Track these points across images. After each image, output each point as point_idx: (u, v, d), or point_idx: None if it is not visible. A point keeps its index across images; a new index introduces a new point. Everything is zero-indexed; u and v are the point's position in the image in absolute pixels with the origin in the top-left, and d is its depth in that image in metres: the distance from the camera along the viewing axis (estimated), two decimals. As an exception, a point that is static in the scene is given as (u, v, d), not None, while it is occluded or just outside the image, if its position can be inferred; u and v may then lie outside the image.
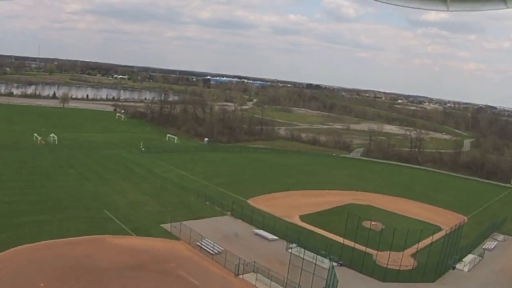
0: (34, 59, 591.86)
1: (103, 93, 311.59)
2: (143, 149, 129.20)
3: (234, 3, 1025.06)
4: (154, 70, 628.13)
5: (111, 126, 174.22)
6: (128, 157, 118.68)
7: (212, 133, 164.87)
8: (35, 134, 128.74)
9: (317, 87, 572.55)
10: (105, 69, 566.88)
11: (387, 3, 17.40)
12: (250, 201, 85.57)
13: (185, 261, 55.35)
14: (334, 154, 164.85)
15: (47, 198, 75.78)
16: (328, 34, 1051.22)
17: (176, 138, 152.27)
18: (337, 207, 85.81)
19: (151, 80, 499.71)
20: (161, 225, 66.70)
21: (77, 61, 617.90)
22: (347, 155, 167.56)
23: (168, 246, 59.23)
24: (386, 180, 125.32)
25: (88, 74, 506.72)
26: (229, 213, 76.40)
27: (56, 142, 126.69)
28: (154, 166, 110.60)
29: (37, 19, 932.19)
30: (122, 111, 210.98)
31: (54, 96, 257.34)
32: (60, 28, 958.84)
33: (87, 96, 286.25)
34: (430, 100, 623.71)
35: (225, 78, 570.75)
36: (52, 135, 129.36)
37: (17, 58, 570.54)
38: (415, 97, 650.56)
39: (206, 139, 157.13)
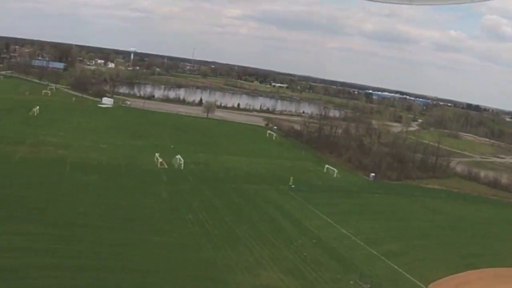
0: (189, 61, 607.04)
1: (258, 103, 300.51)
2: (292, 186, 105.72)
3: (397, 16, 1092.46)
4: (315, 80, 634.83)
5: (259, 147, 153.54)
6: (273, 199, 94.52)
7: (380, 166, 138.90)
8: (157, 154, 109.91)
9: (477, 108, 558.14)
10: (263, 76, 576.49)
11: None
12: (431, 291, 63.60)
13: None
14: None
15: (132, 267, 55.12)
16: (486, 53, 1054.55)
17: (336, 171, 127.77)
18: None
19: (311, 91, 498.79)
20: None
21: (234, 65, 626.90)
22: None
23: None
24: None
25: (245, 80, 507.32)
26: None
27: (182, 167, 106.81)
28: (305, 216, 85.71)
29: (196, 21, 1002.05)
30: (275, 127, 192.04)
31: (200, 103, 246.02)
32: (220, 32, 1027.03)
33: (238, 105, 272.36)
34: None
35: (386, 93, 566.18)
36: (178, 156, 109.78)
37: (170, 58, 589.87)
38: None
39: (372, 174, 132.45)
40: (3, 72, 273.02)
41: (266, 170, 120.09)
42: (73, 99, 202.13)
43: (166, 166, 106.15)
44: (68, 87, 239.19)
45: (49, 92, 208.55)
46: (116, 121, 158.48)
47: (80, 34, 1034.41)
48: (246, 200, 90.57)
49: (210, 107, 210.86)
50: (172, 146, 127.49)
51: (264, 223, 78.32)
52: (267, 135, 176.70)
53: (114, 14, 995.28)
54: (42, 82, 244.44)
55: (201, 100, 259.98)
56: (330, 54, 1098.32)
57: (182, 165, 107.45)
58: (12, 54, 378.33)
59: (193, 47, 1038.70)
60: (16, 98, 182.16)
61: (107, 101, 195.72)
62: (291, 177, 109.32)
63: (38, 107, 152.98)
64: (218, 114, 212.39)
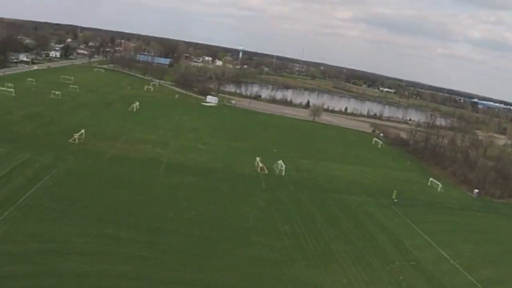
0: (297, 62, 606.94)
1: (365, 107, 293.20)
2: (395, 199, 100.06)
3: (503, 24, 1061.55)
4: (422, 86, 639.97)
5: (364, 154, 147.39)
6: (374, 213, 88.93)
7: (484, 182, 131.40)
8: (258, 159, 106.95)
9: None
10: (372, 80, 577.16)
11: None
12: None
13: None
14: None
15: (216, 282, 53.26)
16: None
17: (440, 185, 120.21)
18: None
19: (418, 97, 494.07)
20: None
21: (343, 68, 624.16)
22: None
23: None
24: None
25: (353, 83, 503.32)
26: None
27: (283, 174, 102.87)
28: (406, 235, 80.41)
29: (305, 22, 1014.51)
30: (381, 135, 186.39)
31: (307, 105, 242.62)
32: (329, 34, 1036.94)
33: (346, 109, 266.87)
34: None
35: (491, 103, 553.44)
36: (279, 162, 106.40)
37: (279, 58, 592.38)
38: None
39: (476, 190, 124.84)
40: (105, 66, 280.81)
41: (370, 180, 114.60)
42: (176, 96, 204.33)
43: (266, 172, 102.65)
44: (172, 83, 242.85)
45: (151, 87, 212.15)
46: (218, 121, 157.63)
47: (187, 31, 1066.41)
48: (346, 212, 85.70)
49: (316, 111, 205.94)
50: (274, 150, 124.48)
51: (362, 240, 73.66)
52: (373, 142, 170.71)
53: (223, 11, 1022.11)
54: (146, 78, 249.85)
55: (308, 102, 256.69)
56: (437, 60, 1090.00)
57: (283, 171, 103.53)
58: (116, 48, 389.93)
59: (302, 48, 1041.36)
60: (117, 93, 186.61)
61: (211, 100, 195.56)
62: (395, 191, 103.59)
63: (138, 103, 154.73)
64: (325, 117, 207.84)
